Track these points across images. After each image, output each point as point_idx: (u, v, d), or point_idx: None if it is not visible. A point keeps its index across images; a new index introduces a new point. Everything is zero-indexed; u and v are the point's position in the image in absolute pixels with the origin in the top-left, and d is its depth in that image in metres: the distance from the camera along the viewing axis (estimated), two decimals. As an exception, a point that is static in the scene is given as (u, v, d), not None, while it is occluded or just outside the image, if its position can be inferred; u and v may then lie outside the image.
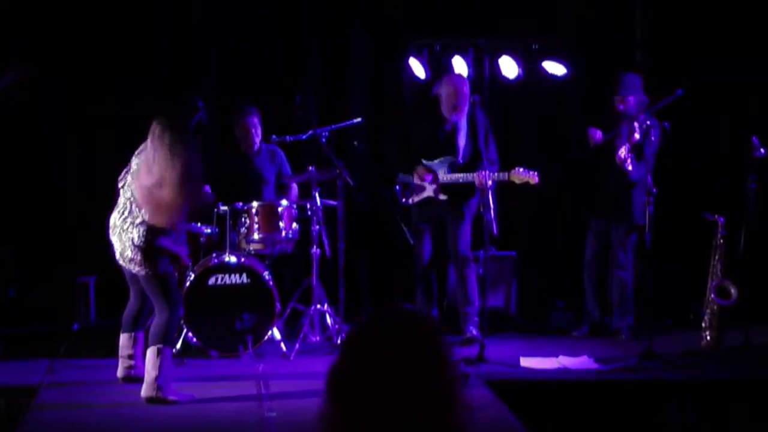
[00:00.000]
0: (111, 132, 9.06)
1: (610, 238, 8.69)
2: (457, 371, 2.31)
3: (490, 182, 8.04)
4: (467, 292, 8.54)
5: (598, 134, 8.44)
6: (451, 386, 2.27)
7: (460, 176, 8.37)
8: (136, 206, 6.52)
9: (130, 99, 9.01)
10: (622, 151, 8.26)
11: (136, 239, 6.49)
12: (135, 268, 6.59)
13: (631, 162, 8.27)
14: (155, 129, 6.47)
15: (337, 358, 2.32)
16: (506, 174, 8.26)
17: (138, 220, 6.51)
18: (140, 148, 6.69)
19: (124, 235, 6.56)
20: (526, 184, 8.28)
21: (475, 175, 8.23)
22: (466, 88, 8.41)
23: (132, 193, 6.56)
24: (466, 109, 8.38)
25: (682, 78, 8.63)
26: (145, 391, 6.53)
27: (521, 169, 8.25)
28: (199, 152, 6.59)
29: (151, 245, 6.50)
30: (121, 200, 6.66)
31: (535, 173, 8.24)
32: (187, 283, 7.80)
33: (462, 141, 8.46)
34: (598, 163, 8.53)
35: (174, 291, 6.68)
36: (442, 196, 8.48)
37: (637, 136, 8.24)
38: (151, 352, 6.54)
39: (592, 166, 8.60)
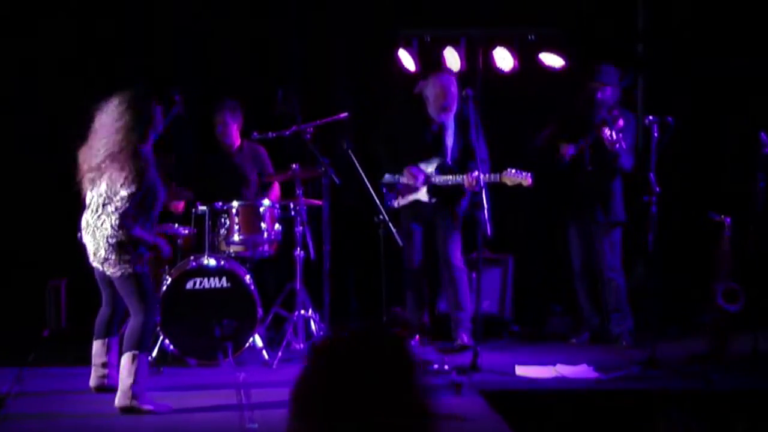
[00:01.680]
0: (86, 131, 8.85)
1: (593, 238, 8.60)
2: (427, 389, 2.32)
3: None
4: (458, 297, 8.45)
5: (570, 149, 8.41)
6: (418, 403, 2.29)
7: (449, 178, 8.30)
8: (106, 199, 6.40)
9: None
10: (612, 134, 8.19)
11: (110, 231, 6.36)
12: (109, 270, 6.47)
13: (621, 144, 8.19)
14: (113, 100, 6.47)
15: (301, 372, 2.32)
16: (497, 175, 8.12)
17: (111, 209, 6.37)
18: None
19: (98, 233, 6.43)
20: (519, 185, 8.13)
21: (464, 177, 8.12)
22: (454, 88, 8.31)
23: (104, 188, 6.41)
24: (454, 108, 8.28)
25: (684, 71, 8.55)
26: (119, 400, 6.43)
27: (513, 170, 8.11)
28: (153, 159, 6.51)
29: (126, 234, 6.35)
30: (93, 199, 6.51)
31: (529, 174, 8.08)
32: (164, 288, 7.72)
33: (450, 141, 8.40)
34: (575, 162, 8.45)
35: (149, 293, 6.58)
36: (432, 199, 8.37)
37: (621, 122, 8.24)
38: (125, 359, 6.44)
39: (569, 164, 8.52)
